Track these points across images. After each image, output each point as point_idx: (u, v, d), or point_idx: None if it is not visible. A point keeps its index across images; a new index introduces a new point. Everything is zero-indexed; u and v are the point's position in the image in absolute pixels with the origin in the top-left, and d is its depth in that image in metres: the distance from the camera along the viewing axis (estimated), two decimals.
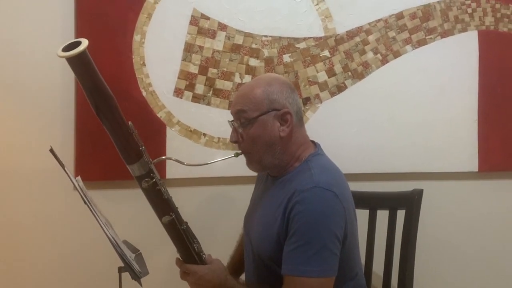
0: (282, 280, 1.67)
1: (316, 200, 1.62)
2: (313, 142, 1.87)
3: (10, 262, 2.25)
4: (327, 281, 1.62)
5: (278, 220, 1.68)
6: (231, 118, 1.83)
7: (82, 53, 1.39)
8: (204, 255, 1.78)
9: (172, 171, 2.23)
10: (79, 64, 1.43)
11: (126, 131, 1.54)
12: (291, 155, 1.77)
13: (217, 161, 1.93)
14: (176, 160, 1.78)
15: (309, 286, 1.59)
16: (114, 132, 1.53)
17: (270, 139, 1.72)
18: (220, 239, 2.17)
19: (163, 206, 1.66)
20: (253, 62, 2.36)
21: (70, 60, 1.41)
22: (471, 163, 2.53)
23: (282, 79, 1.84)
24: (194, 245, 1.73)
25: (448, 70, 2.51)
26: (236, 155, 1.82)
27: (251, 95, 1.73)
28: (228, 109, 2.29)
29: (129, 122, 1.56)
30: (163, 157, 1.85)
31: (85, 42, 1.40)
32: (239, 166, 2.13)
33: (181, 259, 1.77)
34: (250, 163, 1.81)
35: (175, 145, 2.28)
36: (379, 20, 2.46)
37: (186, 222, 1.73)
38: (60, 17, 2.25)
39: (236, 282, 1.74)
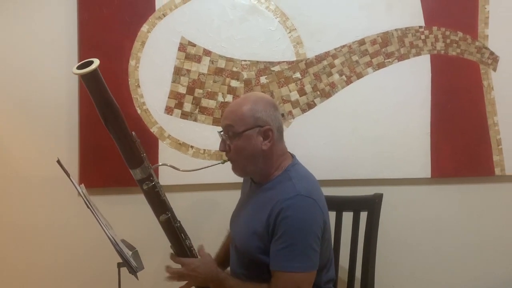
0: (261, 269, 1.73)
1: (299, 206, 1.66)
2: (289, 153, 1.90)
3: (22, 259, 2.29)
4: (310, 275, 1.69)
5: (262, 222, 1.71)
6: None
7: (94, 71, 1.43)
8: (194, 250, 1.82)
9: (164, 178, 2.21)
10: (91, 80, 1.46)
11: (130, 139, 1.59)
12: (272, 165, 1.80)
13: (207, 167, 1.93)
14: (172, 166, 1.81)
15: (296, 280, 1.65)
16: (120, 140, 1.57)
17: (253, 151, 1.75)
18: (207, 237, 2.15)
19: (160, 205, 1.70)
20: (234, 83, 2.40)
21: (83, 76, 1.43)
22: (425, 170, 2.56)
23: (267, 98, 1.85)
24: (186, 241, 1.78)
25: (404, 89, 2.54)
26: (223, 162, 1.85)
27: (239, 112, 1.76)
28: (212, 125, 2.36)
29: (133, 132, 1.60)
30: (161, 164, 1.87)
31: (96, 62, 1.44)
32: (223, 174, 2.15)
33: (174, 254, 1.81)
34: (235, 170, 1.84)
35: (166, 156, 2.30)
36: (343, 46, 2.49)
37: (179, 221, 1.77)
38: (65, 45, 2.30)
39: (226, 274, 1.78)
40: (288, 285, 1.65)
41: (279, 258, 1.66)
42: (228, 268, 2.00)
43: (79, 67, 1.44)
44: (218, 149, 1.84)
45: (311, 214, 1.68)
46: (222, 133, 1.82)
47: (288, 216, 1.65)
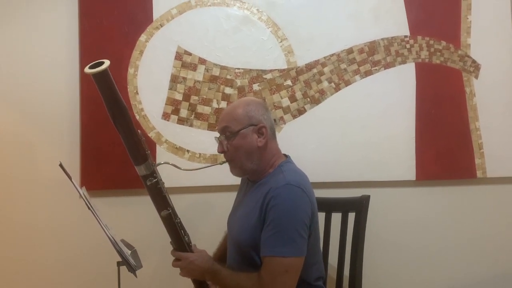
0: (257, 263, 1.75)
1: (288, 194, 1.71)
2: (284, 154, 1.95)
3: (25, 258, 2.31)
4: (298, 260, 1.70)
5: (256, 213, 1.75)
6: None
7: (105, 71, 1.45)
8: (192, 246, 1.84)
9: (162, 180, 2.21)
10: (102, 79, 1.47)
11: (136, 137, 1.59)
12: (267, 162, 1.86)
13: (206, 166, 2.00)
14: (174, 165, 1.84)
15: (284, 264, 1.67)
16: (127, 138, 1.58)
17: (250, 148, 1.82)
18: (204, 238, 2.19)
19: (162, 201, 1.71)
20: (228, 90, 2.43)
21: (94, 76, 1.44)
22: (410, 173, 2.56)
23: (258, 100, 1.94)
24: (185, 237, 1.80)
25: (390, 96, 2.56)
26: (222, 163, 1.90)
27: (233, 113, 1.84)
28: (208, 130, 2.38)
29: (138, 131, 1.61)
30: (164, 162, 1.84)
31: (107, 62, 1.45)
32: (219, 176, 2.18)
33: (174, 248, 1.82)
34: (234, 169, 1.89)
35: (164, 160, 2.20)
36: (332, 55, 2.52)
37: (180, 218, 1.79)
38: (67, 52, 2.33)
39: (221, 267, 1.79)
40: (276, 269, 1.67)
41: (268, 244, 1.69)
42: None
43: (90, 67, 1.45)
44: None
45: (299, 202, 1.72)
46: (219, 135, 1.88)
47: (277, 204, 1.69)
